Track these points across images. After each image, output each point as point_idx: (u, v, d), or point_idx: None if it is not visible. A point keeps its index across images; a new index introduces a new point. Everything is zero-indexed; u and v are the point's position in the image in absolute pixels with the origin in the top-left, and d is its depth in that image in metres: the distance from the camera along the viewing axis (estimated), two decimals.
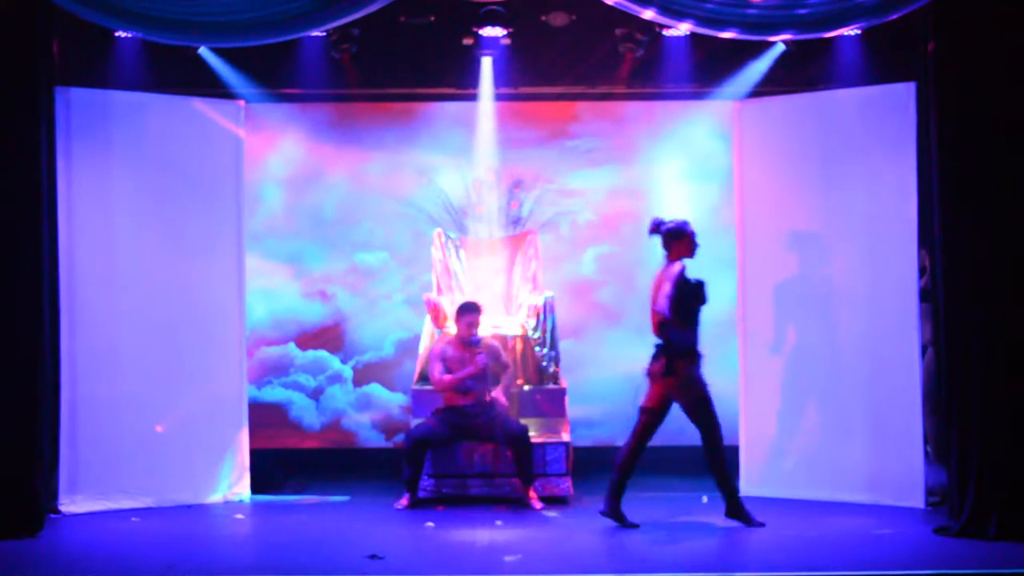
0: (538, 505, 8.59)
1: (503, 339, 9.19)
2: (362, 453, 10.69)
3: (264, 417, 10.29)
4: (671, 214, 8.00)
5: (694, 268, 7.75)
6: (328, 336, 10.83)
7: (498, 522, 8.12)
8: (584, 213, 10.78)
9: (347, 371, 10.83)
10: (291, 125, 10.74)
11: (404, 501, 8.60)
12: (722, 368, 10.07)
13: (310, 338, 10.82)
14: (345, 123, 10.81)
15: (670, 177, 10.80)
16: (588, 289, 10.80)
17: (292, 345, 10.81)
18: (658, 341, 7.77)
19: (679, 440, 10.49)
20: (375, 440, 10.76)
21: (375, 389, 10.81)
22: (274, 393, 10.77)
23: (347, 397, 10.83)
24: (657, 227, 7.89)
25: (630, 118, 10.84)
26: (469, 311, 8.81)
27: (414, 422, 9.01)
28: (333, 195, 10.81)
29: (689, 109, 10.60)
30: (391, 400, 10.79)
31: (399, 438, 10.27)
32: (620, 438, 10.54)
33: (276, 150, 10.74)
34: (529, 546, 7.39)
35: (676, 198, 10.71)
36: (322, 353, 10.81)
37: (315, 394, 10.81)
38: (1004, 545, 7.18)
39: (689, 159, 10.75)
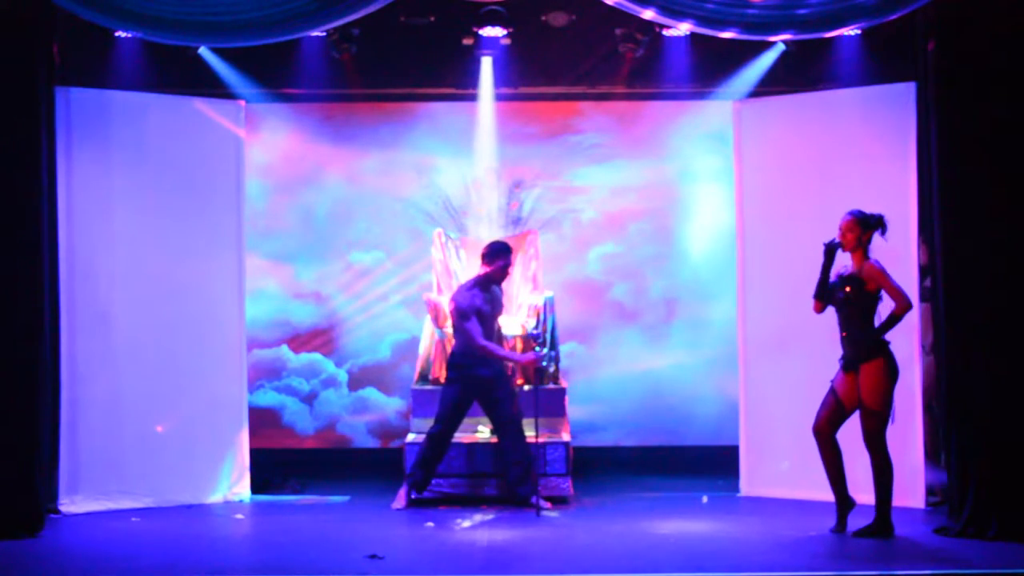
0: (548, 505, 8.50)
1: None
2: (361, 453, 10.63)
3: (257, 422, 10.09)
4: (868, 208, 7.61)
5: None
6: (322, 339, 10.76)
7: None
8: (587, 211, 10.72)
9: (342, 375, 10.75)
10: (290, 125, 10.69)
11: (402, 500, 8.57)
12: (722, 368, 10.14)
13: (304, 341, 10.75)
14: (344, 122, 10.75)
15: (678, 175, 10.76)
16: (591, 289, 10.72)
17: (285, 348, 10.74)
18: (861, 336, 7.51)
19: (679, 440, 10.57)
20: (372, 443, 10.71)
21: (371, 393, 10.74)
22: (266, 397, 10.70)
23: (342, 401, 10.75)
24: (876, 220, 7.53)
25: (636, 113, 10.77)
26: (505, 252, 8.57)
27: (415, 423, 9.01)
28: (330, 194, 10.76)
29: (697, 104, 10.53)
30: (387, 404, 10.73)
31: (396, 443, 10.23)
32: (623, 439, 10.61)
33: (275, 149, 10.69)
34: (529, 546, 7.38)
35: (684, 196, 10.73)
36: (316, 356, 10.74)
37: (309, 398, 10.74)
38: (1004, 545, 7.19)
39: (698, 157, 10.71)
